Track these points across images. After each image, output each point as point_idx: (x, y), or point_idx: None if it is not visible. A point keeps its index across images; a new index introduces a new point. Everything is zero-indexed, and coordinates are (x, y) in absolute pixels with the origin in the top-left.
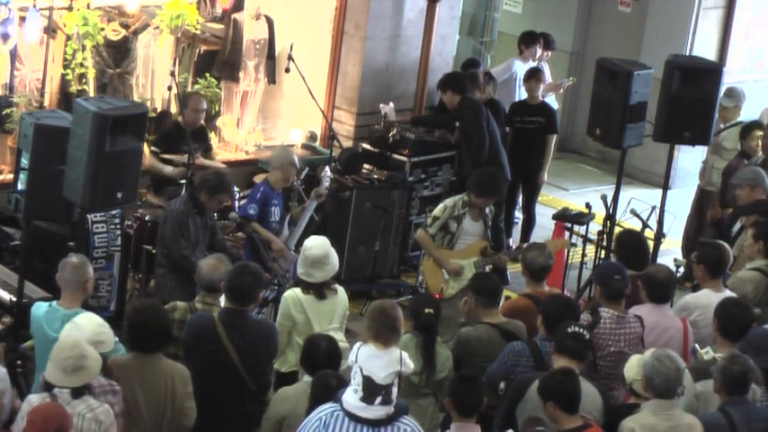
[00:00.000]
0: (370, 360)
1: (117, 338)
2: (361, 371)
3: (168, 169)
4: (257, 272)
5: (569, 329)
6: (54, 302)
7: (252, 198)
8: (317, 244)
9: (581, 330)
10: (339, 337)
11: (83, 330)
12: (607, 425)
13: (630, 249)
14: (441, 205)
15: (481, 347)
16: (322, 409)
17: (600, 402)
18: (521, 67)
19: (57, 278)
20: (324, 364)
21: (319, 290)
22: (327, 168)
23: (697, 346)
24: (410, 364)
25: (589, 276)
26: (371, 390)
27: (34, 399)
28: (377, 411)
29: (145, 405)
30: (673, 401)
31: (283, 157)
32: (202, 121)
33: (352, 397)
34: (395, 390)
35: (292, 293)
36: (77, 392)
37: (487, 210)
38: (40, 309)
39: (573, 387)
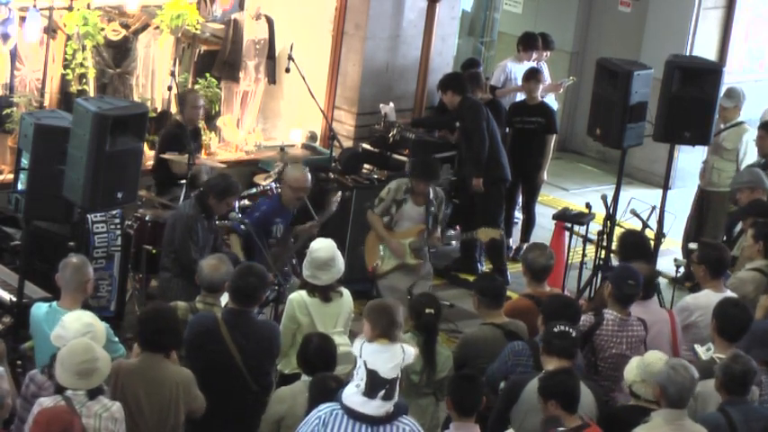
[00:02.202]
0: (376, 355)
1: (117, 339)
2: (366, 365)
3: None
4: (262, 273)
5: (555, 329)
6: (54, 303)
7: (250, 215)
8: (324, 246)
9: (567, 329)
10: (343, 340)
11: (68, 330)
12: (606, 426)
13: (633, 250)
14: (386, 188)
15: (486, 348)
16: (321, 408)
17: (593, 401)
18: (515, 68)
19: (56, 278)
20: (315, 360)
21: (325, 293)
22: (339, 194)
23: (696, 346)
24: (411, 351)
25: (604, 275)
26: (375, 384)
27: (46, 401)
28: (377, 408)
29: (148, 409)
30: (684, 411)
31: (287, 177)
32: (201, 121)
33: (352, 392)
34: (397, 387)
35: (298, 296)
36: (93, 394)
37: (432, 195)
38: (40, 309)
39: (573, 386)
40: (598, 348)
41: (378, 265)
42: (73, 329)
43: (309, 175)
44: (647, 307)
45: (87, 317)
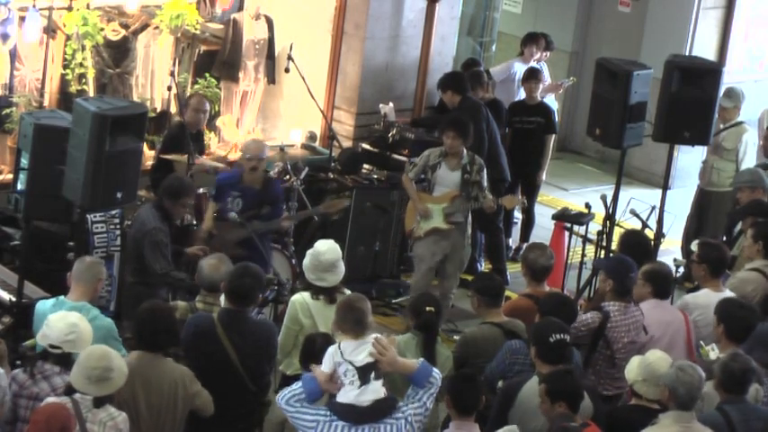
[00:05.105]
0: (354, 351)
1: (119, 339)
2: (353, 365)
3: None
4: (258, 274)
5: (551, 339)
6: (61, 297)
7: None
8: (330, 248)
9: (562, 336)
10: None
11: (52, 329)
12: (607, 425)
13: (634, 249)
14: (422, 154)
15: (485, 347)
16: (318, 413)
17: (589, 400)
18: (521, 69)
19: (68, 276)
20: (320, 359)
21: (331, 294)
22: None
23: (702, 342)
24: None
25: (598, 266)
26: (365, 371)
27: (53, 401)
28: (375, 391)
29: (146, 408)
30: (693, 413)
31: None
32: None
33: (347, 390)
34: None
35: (300, 298)
36: (99, 402)
37: (466, 159)
38: (45, 304)
39: (578, 386)
40: (612, 341)
41: (414, 228)
42: (57, 329)
43: (261, 146)
44: (664, 306)
45: (73, 317)
